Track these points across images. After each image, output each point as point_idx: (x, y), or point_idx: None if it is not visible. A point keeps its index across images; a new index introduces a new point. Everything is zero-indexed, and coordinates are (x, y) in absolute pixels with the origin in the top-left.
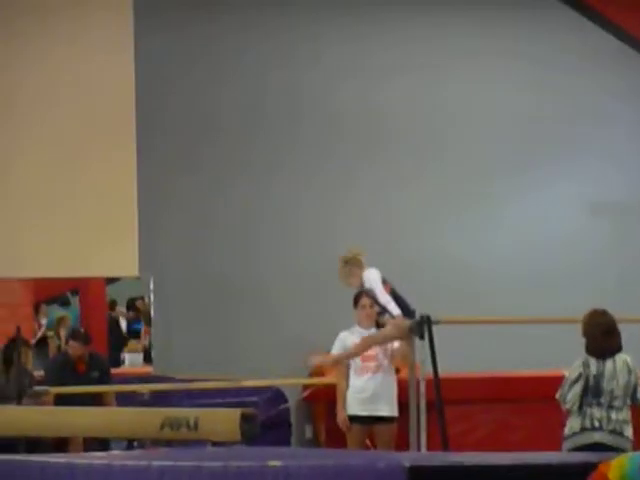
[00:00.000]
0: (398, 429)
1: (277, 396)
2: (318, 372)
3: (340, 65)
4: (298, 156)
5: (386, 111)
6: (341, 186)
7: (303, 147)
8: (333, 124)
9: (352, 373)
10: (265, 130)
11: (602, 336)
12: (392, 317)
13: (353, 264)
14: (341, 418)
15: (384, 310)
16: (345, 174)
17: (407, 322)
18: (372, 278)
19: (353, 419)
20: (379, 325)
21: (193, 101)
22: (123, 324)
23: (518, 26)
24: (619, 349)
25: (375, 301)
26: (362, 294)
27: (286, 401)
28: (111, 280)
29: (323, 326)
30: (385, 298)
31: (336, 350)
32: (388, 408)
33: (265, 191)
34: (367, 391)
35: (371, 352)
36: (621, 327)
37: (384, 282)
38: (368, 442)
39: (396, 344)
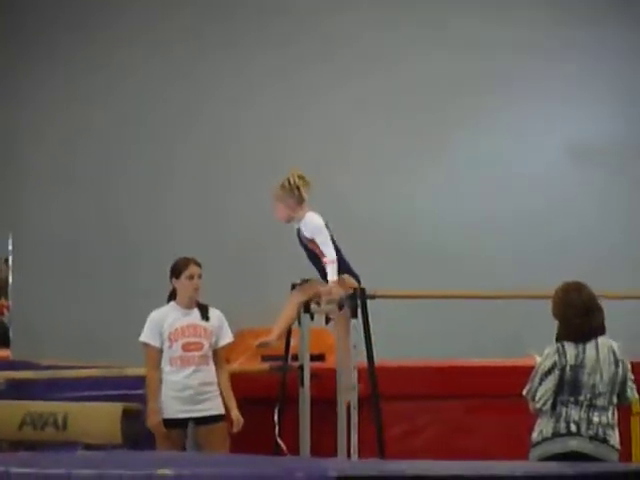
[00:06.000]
0: (321, 430)
1: None
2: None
3: None
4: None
5: None
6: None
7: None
8: None
9: (166, 363)
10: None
11: (579, 317)
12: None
13: (288, 193)
14: (155, 422)
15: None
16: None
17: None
18: (316, 224)
19: (169, 423)
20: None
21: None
22: None
23: None
24: (602, 331)
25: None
26: (189, 261)
27: None
28: None
29: (229, 304)
30: (331, 254)
31: (149, 337)
32: (216, 405)
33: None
34: (189, 389)
35: (195, 339)
36: (606, 305)
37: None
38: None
39: (225, 340)
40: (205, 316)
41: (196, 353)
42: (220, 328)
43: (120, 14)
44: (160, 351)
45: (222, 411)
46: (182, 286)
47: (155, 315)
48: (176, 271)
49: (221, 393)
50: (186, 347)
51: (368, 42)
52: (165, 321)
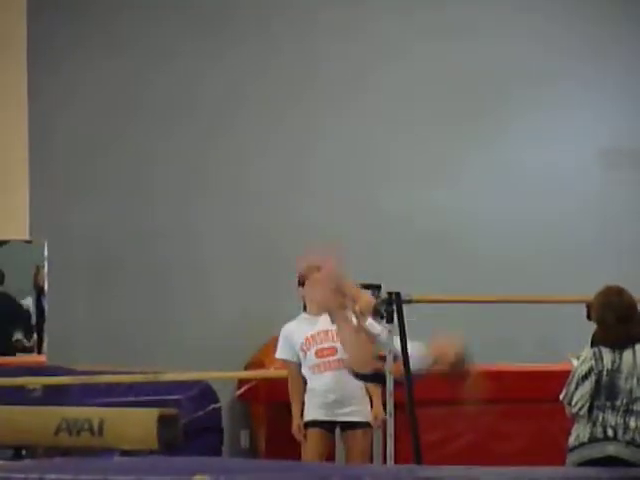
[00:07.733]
0: None
1: (205, 394)
2: (257, 363)
3: None
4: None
5: None
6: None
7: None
8: None
9: (307, 372)
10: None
11: (618, 321)
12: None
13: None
14: (295, 425)
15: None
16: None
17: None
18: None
19: (312, 424)
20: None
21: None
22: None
23: None
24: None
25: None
26: (312, 268)
27: (217, 400)
28: None
29: (266, 309)
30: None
31: (283, 353)
32: (360, 411)
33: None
34: (333, 393)
35: (328, 344)
36: None
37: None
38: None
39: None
40: None
41: (331, 358)
42: None
43: None
44: (297, 364)
45: (366, 418)
46: (308, 293)
47: (285, 330)
48: (301, 280)
49: (368, 394)
50: (320, 353)
51: (395, 48)
52: (294, 334)
